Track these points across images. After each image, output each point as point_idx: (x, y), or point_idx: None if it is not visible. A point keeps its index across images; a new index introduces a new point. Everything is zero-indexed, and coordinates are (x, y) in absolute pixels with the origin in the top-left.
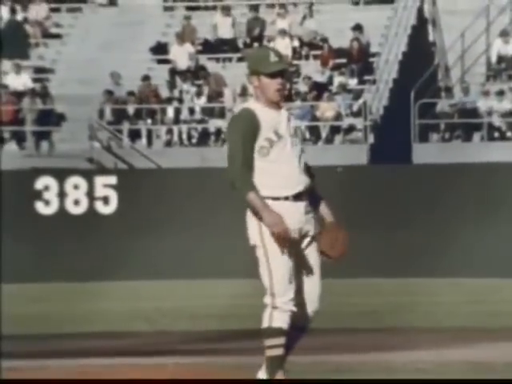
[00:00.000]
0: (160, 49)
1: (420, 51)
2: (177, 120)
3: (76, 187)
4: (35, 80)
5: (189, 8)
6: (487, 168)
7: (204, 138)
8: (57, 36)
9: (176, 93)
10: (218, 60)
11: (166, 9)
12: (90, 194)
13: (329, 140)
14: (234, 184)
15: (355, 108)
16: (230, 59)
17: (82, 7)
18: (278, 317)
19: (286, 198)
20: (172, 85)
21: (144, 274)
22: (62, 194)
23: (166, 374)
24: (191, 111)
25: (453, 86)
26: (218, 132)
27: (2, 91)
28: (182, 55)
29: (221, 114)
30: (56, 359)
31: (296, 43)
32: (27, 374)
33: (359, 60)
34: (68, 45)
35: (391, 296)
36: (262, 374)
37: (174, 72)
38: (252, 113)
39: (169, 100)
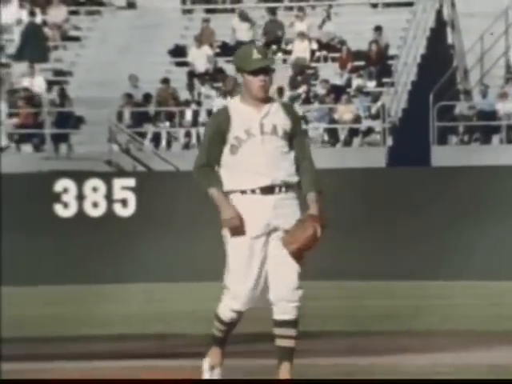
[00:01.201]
0: (178, 51)
1: (439, 54)
2: (195, 122)
3: (95, 190)
4: (54, 83)
5: (207, 11)
6: (506, 170)
7: None
8: (75, 39)
9: (194, 95)
10: None
11: (185, 12)
12: (109, 197)
13: (347, 142)
14: (197, 180)
15: (374, 110)
16: None
17: (100, 10)
18: (221, 306)
19: (253, 192)
20: (190, 87)
21: (162, 276)
22: (80, 197)
23: (184, 377)
24: (209, 113)
25: (471, 88)
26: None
27: (21, 94)
28: (200, 58)
29: None
30: (72, 361)
31: (314, 46)
32: (42, 376)
33: (378, 62)
34: (87, 47)
35: (407, 299)
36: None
37: (192, 75)
38: (225, 112)
39: (187, 103)
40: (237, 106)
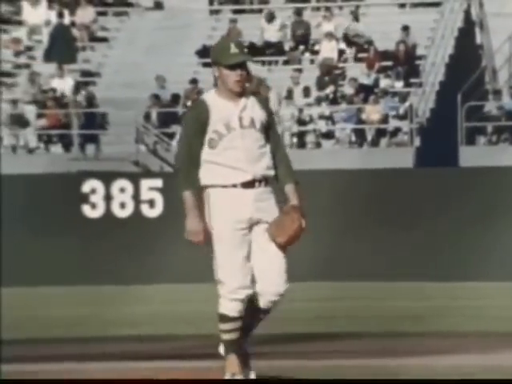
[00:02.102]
0: (206, 52)
1: (467, 54)
2: None
3: (122, 190)
4: (81, 83)
5: (235, 11)
6: None
7: None
8: (103, 39)
9: None
10: (263, 63)
11: (212, 12)
12: (136, 197)
13: (374, 143)
14: (177, 178)
15: (401, 111)
16: (275, 62)
17: (128, 11)
18: (223, 304)
19: (234, 186)
20: None
21: (189, 276)
22: (108, 197)
23: (210, 377)
24: None
25: (500, 88)
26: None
27: (49, 95)
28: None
29: None
30: (99, 362)
31: (342, 46)
32: (70, 376)
33: (405, 63)
34: (114, 48)
35: (435, 300)
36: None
37: None
38: (203, 105)
39: None
40: (214, 100)
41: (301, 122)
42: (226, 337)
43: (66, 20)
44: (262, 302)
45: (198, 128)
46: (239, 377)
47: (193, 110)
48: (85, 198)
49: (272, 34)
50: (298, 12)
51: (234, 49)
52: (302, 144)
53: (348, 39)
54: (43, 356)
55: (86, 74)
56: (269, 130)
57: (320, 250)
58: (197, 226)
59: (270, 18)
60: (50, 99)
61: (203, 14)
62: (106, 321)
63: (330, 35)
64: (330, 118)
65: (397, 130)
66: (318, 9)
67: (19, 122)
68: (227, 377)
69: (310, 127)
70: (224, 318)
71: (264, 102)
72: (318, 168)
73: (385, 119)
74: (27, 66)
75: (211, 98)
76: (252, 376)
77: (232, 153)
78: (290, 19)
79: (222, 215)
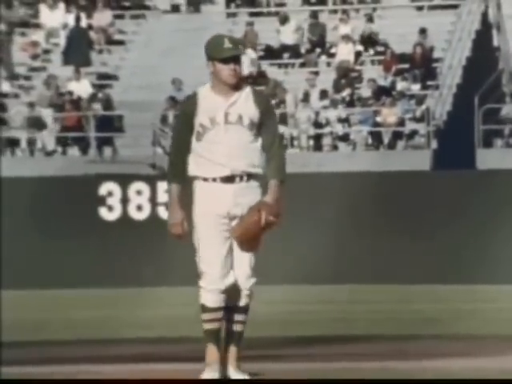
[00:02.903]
0: None
1: (484, 56)
2: None
3: (139, 193)
4: (98, 86)
5: (251, 14)
6: None
7: None
8: (120, 42)
9: None
10: (279, 66)
11: (229, 15)
12: (153, 200)
13: (391, 146)
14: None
15: (418, 113)
16: (292, 65)
17: (145, 14)
18: (203, 295)
19: (214, 180)
20: None
21: None
22: (125, 200)
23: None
24: None
25: None
26: (281, 138)
27: (67, 98)
28: (243, 61)
29: (283, 119)
30: (116, 364)
31: (358, 48)
32: (84, 377)
33: (422, 65)
34: (131, 51)
35: (453, 302)
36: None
37: None
38: (193, 98)
39: None
40: (206, 93)
41: (317, 124)
42: (206, 326)
43: (84, 23)
44: (239, 297)
45: (185, 121)
46: (216, 367)
47: (183, 103)
48: (102, 201)
49: (288, 36)
50: (315, 15)
51: (227, 43)
52: (318, 147)
53: (365, 42)
54: (58, 358)
55: (102, 76)
56: (262, 126)
57: (336, 252)
58: (176, 218)
59: (284, 20)
60: (67, 102)
61: (220, 16)
62: (121, 323)
63: (346, 38)
64: (346, 121)
65: (413, 133)
66: (334, 11)
67: (36, 124)
68: (207, 365)
69: (326, 130)
70: (204, 309)
71: (260, 97)
72: (334, 171)
73: (401, 122)
74: (44, 68)
75: (204, 91)
76: (245, 376)
77: (214, 147)
78: (306, 22)
79: (201, 208)
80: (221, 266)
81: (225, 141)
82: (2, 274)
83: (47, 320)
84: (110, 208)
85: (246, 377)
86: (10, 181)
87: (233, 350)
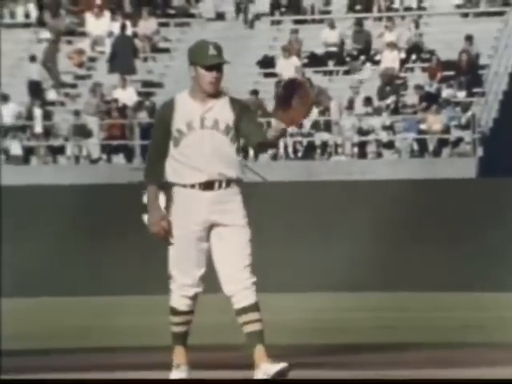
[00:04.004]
0: (267, 62)
1: None
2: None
3: None
4: (143, 94)
5: (296, 21)
6: None
7: (310, 151)
8: (165, 50)
9: None
10: (324, 73)
11: (273, 22)
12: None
13: (436, 153)
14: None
15: (464, 120)
16: (336, 72)
17: (190, 22)
18: (173, 297)
19: (193, 186)
20: None
21: None
22: (168, 207)
23: None
24: (298, 124)
25: None
26: (324, 145)
27: (112, 105)
28: (288, 68)
29: (327, 127)
30: (157, 371)
31: (404, 56)
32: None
33: (468, 72)
34: (176, 59)
35: (494, 310)
36: None
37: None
38: (170, 104)
39: None
40: (183, 99)
41: (361, 131)
42: (174, 329)
43: (129, 31)
44: (234, 301)
45: (162, 125)
46: (184, 367)
47: (160, 108)
48: (146, 208)
49: (332, 43)
50: (359, 22)
51: (212, 50)
52: (362, 154)
53: (410, 49)
54: (101, 365)
55: (147, 84)
56: (239, 128)
57: (381, 259)
58: (154, 216)
59: (331, 27)
60: (113, 110)
61: (264, 24)
62: (161, 330)
63: (391, 45)
64: (390, 128)
65: (459, 140)
66: (379, 19)
67: (82, 132)
68: (173, 367)
69: (370, 137)
70: (173, 311)
71: (235, 103)
72: (379, 178)
73: (446, 129)
74: (90, 76)
75: (181, 97)
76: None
77: (190, 152)
78: (350, 29)
79: (178, 214)
80: (192, 274)
81: (201, 146)
82: (55, 281)
83: (97, 327)
84: None
85: (286, 365)
86: (54, 189)
87: (260, 349)
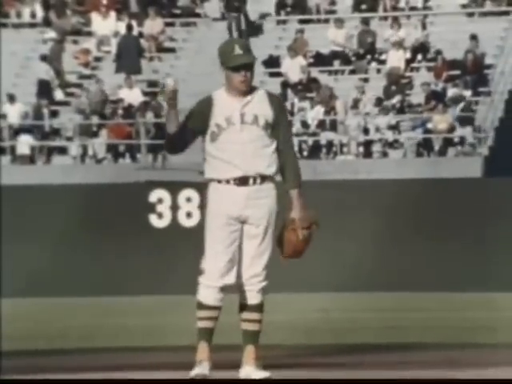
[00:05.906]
0: (272, 62)
1: None
2: None
3: (189, 200)
4: (149, 94)
5: (301, 21)
6: None
7: (315, 150)
8: (171, 50)
9: (288, 106)
10: (330, 72)
11: (279, 22)
12: (203, 207)
13: (442, 152)
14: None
15: (469, 120)
16: (342, 72)
17: (196, 21)
18: (200, 291)
19: (228, 182)
20: (284, 98)
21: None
22: (174, 207)
23: None
24: (303, 124)
25: None
26: (330, 145)
27: (118, 105)
28: (293, 68)
29: (333, 126)
30: (164, 371)
31: (409, 55)
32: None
33: (474, 72)
34: (181, 59)
35: (508, 311)
36: None
37: (285, 85)
38: (208, 99)
39: None
40: (220, 95)
41: (367, 131)
42: (199, 324)
43: (135, 31)
44: (252, 296)
45: (199, 117)
46: (206, 364)
47: (199, 102)
48: (152, 208)
49: (338, 43)
50: (365, 21)
51: (238, 50)
52: (368, 153)
53: (416, 48)
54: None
55: (153, 84)
56: (276, 128)
57: (388, 258)
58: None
59: (338, 26)
60: (118, 109)
61: (270, 23)
62: (175, 330)
63: (397, 44)
64: (396, 128)
65: (465, 139)
66: (385, 18)
67: (88, 132)
68: (197, 362)
69: (376, 136)
70: (199, 306)
71: (274, 99)
72: (384, 177)
73: (452, 128)
74: (95, 76)
75: (218, 93)
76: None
77: (229, 147)
78: (356, 29)
79: (212, 209)
80: (222, 264)
81: (240, 141)
82: (63, 281)
83: (99, 326)
84: (160, 215)
85: (268, 375)
86: (60, 188)
87: (250, 349)
